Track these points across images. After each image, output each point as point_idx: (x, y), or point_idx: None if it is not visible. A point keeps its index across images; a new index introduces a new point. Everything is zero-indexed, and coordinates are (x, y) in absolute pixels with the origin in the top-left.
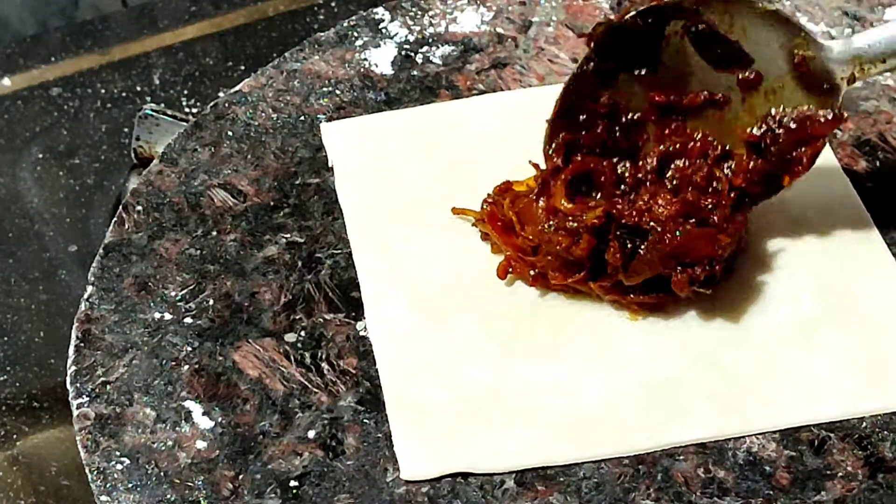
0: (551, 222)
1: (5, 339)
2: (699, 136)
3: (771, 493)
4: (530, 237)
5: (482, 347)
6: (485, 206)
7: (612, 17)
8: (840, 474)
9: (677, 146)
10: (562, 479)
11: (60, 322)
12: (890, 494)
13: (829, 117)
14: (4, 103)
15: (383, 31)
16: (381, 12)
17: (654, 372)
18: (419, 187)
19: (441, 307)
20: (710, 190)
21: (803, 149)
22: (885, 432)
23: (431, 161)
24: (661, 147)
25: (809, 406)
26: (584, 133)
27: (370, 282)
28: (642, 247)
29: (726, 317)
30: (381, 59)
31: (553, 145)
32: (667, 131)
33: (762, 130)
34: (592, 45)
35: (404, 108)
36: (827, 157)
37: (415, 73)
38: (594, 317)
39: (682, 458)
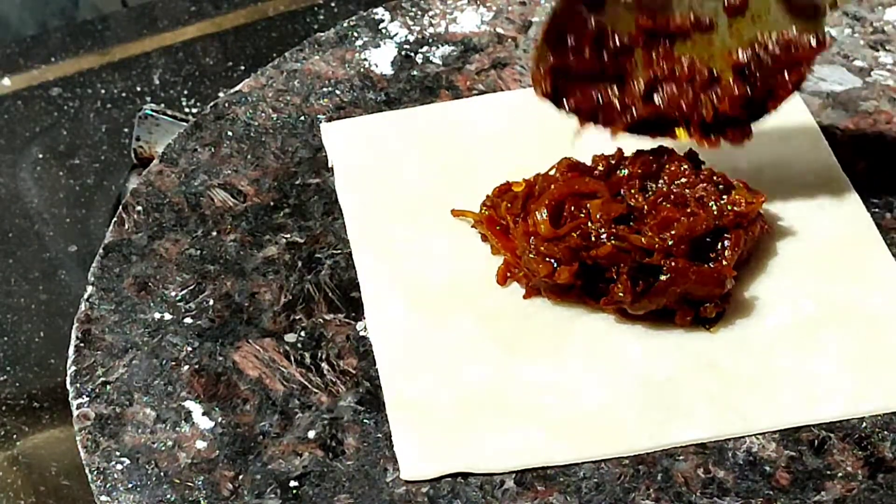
0: (531, 251)
1: (5, 339)
2: (686, 61)
3: (771, 493)
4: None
5: (482, 347)
6: (483, 210)
7: None
8: (840, 474)
9: (665, 71)
10: (562, 479)
11: (60, 322)
12: (890, 494)
13: (813, 42)
14: (4, 103)
15: (383, 31)
16: (381, 12)
17: (653, 372)
18: (419, 187)
19: (441, 307)
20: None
21: (787, 74)
22: (885, 432)
23: (431, 161)
24: (649, 72)
25: (809, 406)
26: (572, 57)
27: (370, 282)
28: (656, 283)
29: (726, 317)
30: (381, 59)
31: (541, 69)
32: (654, 56)
33: (748, 55)
34: None
35: (404, 108)
36: (826, 157)
37: (415, 73)
38: (594, 317)
39: (682, 458)
